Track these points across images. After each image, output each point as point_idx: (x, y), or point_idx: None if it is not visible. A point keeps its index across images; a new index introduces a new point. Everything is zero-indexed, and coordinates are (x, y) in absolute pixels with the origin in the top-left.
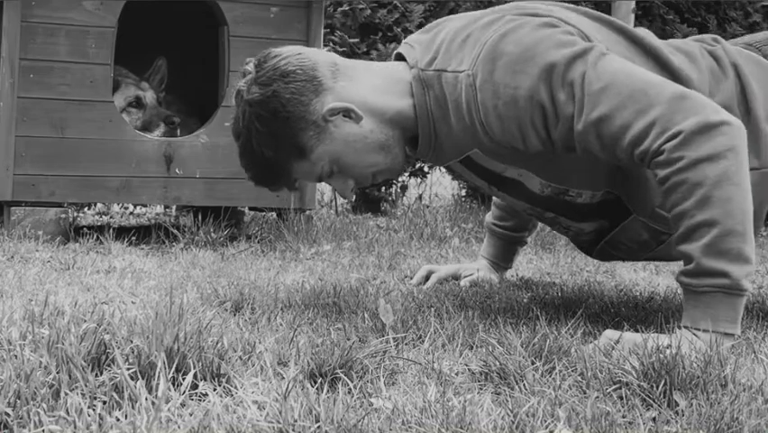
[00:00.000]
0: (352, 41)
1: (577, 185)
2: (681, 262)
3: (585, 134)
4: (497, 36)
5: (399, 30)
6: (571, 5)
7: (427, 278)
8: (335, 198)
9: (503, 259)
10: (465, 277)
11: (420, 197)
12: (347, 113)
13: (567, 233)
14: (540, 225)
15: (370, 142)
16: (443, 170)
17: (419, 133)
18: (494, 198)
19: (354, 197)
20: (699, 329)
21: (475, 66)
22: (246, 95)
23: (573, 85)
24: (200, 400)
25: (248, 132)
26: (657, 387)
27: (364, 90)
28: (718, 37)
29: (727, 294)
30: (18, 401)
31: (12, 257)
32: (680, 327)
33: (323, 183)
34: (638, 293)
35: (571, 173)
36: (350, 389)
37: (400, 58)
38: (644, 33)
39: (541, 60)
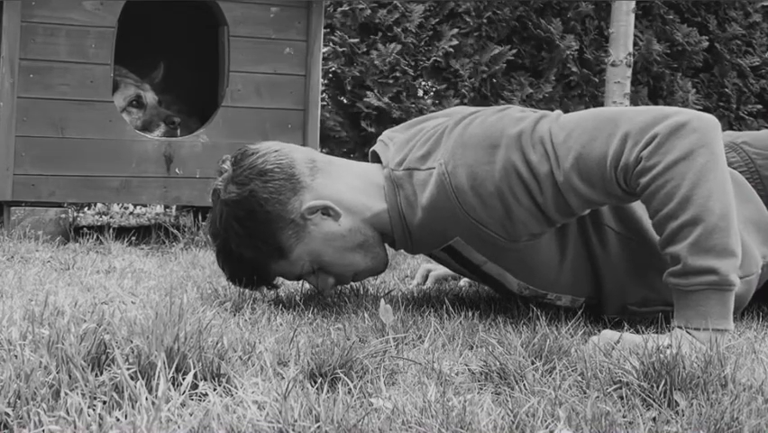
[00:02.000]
0: (351, 41)
1: (555, 289)
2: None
3: (569, 183)
4: (462, 126)
5: (399, 30)
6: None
7: (426, 277)
8: None
9: None
10: (465, 278)
11: None
12: (326, 210)
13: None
14: None
15: (349, 240)
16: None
17: (393, 233)
18: None
19: (332, 292)
20: (693, 328)
21: (447, 155)
22: (223, 194)
23: (543, 142)
24: (200, 400)
25: (225, 232)
26: (657, 387)
27: (343, 189)
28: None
29: (717, 290)
30: (18, 401)
31: (12, 257)
32: (678, 328)
33: None
34: None
35: (549, 277)
36: (350, 389)
37: (376, 155)
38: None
39: (508, 132)
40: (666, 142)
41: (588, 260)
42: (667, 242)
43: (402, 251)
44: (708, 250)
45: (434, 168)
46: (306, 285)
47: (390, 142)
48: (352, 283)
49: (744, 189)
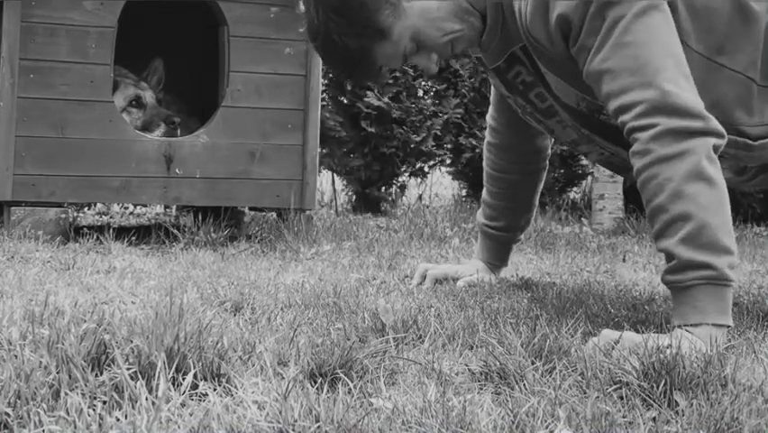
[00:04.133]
0: None
1: None
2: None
3: (589, 76)
4: None
5: None
6: None
7: (425, 277)
8: (335, 199)
9: (498, 259)
10: (462, 278)
11: (420, 197)
12: None
13: (602, 154)
14: (534, 226)
15: (444, 10)
16: (443, 170)
17: (487, 14)
18: (483, 195)
19: (437, 69)
20: (690, 325)
21: None
22: None
23: (605, 22)
24: (200, 400)
25: (326, 27)
26: (657, 387)
27: None
28: None
29: (714, 285)
30: (18, 401)
31: (12, 257)
32: (677, 327)
33: (323, 184)
34: (638, 293)
35: None
36: (350, 389)
37: None
38: None
39: None
40: (664, 137)
41: None
42: (659, 235)
43: (403, 254)
44: (702, 245)
45: None
46: (306, 285)
47: None
48: (352, 283)
49: None
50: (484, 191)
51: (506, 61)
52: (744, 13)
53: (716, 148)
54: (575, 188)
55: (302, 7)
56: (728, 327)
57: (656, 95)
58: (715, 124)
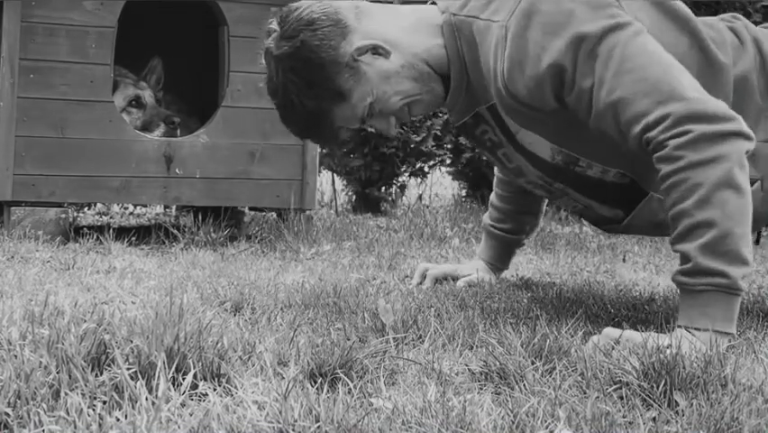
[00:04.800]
0: None
1: (587, 155)
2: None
3: (603, 114)
4: None
5: None
6: None
7: (425, 277)
8: (335, 199)
9: (500, 260)
10: (462, 277)
11: (420, 197)
12: (375, 49)
13: (575, 207)
14: (538, 227)
15: (404, 75)
16: (443, 170)
17: (451, 76)
18: (491, 198)
19: (396, 132)
20: (696, 329)
21: (510, 19)
22: (275, 50)
23: (598, 58)
24: (200, 400)
25: (285, 87)
26: (657, 387)
27: (390, 28)
28: (738, 15)
29: (724, 293)
30: (18, 401)
31: (12, 257)
32: (678, 327)
33: (323, 184)
34: (638, 293)
35: (580, 140)
36: (350, 389)
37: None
38: (681, 7)
39: (575, 27)
40: (697, 142)
41: None
42: (679, 238)
43: (403, 255)
44: (721, 254)
45: (492, 21)
46: (306, 285)
47: None
48: (352, 283)
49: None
50: (493, 194)
51: (472, 118)
52: (712, 66)
53: (747, 151)
54: None
55: (262, 62)
56: (732, 335)
57: (681, 105)
58: (744, 124)
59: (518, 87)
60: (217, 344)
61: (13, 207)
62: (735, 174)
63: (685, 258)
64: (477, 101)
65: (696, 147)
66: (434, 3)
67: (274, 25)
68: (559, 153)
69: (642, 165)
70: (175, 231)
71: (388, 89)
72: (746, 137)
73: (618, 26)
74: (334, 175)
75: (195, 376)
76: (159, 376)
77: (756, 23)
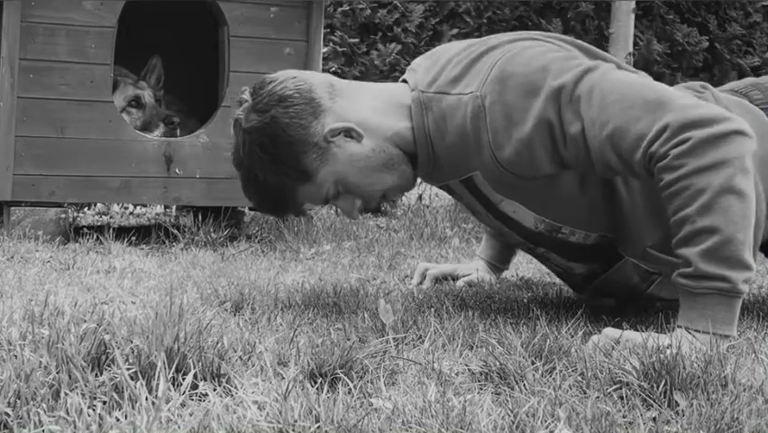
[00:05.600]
0: (351, 41)
1: (571, 223)
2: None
3: (602, 151)
4: (506, 58)
5: (399, 30)
6: (566, 38)
7: (425, 276)
8: None
9: (501, 260)
10: (462, 277)
11: (420, 197)
12: (348, 132)
13: (557, 270)
14: None
15: (374, 160)
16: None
17: (418, 154)
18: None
19: (360, 216)
20: (695, 330)
21: (484, 87)
22: (245, 123)
23: (581, 101)
24: (200, 401)
25: (250, 160)
26: (657, 387)
27: (363, 110)
28: (706, 84)
29: (725, 296)
30: (18, 401)
31: (12, 257)
32: (678, 327)
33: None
34: None
35: (566, 211)
36: (350, 389)
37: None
38: (643, 73)
39: (551, 82)
40: (698, 148)
41: (610, 199)
42: (681, 243)
43: (403, 255)
44: (723, 259)
45: (464, 94)
46: (306, 285)
47: (419, 67)
48: (352, 283)
49: (763, 127)
50: None
51: (444, 186)
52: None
53: (749, 149)
54: None
55: (232, 131)
56: (733, 337)
57: (676, 115)
58: (743, 122)
59: (507, 153)
60: (217, 344)
61: (12, 207)
62: (737, 179)
63: (687, 262)
64: (445, 177)
65: (697, 153)
66: (404, 81)
67: (246, 96)
68: (542, 223)
69: (623, 226)
70: (175, 231)
71: (357, 173)
72: (746, 134)
73: (589, 69)
74: None
75: (195, 376)
76: (159, 376)
77: (756, 24)
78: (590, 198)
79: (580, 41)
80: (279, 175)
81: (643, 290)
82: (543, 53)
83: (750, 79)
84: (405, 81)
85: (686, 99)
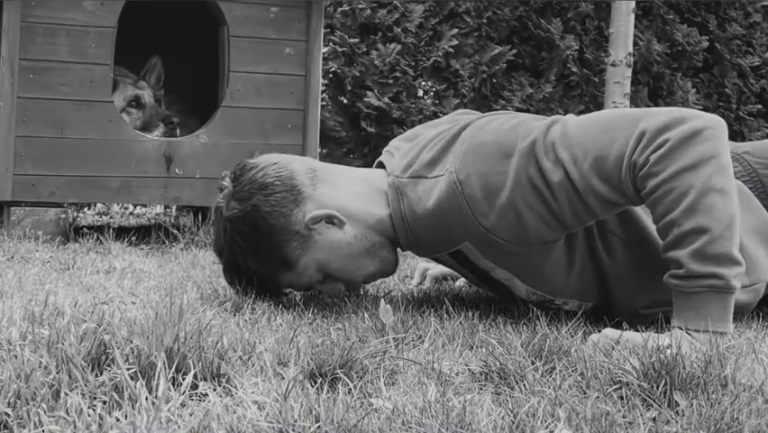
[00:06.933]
0: (351, 41)
1: (563, 295)
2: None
3: (589, 185)
4: (472, 132)
5: (399, 30)
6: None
7: (425, 277)
8: None
9: None
10: (462, 278)
11: None
12: (330, 219)
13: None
14: None
15: (356, 247)
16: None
17: (399, 239)
18: None
19: (342, 297)
20: (692, 329)
21: (457, 163)
22: (225, 211)
23: (555, 147)
24: (200, 401)
25: (230, 248)
26: (657, 387)
27: (346, 196)
28: None
29: (718, 293)
30: (18, 401)
31: (12, 257)
32: (678, 328)
33: None
34: None
35: (556, 283)
36: (350, 389)
37: (382, 165)
38: None
39: (521, 143)
40: (676, 149)
41: (595, 268)
42: (670, 246)
43: (403, 255)
44: (711, 258)
45: (441, 175)
46: None
47: (396, 151)
48: None
49: (747, 199)
50: None
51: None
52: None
53: (724, 144)
54: None
55: (212, 217)
56: (729, 334)
57: (648, 122)
58: (715, 118)
59: (492, 220)
60: (217, 344)
61: (13, 207)
62: (717, 177)
63: (677, 263)
64: (432, 252)
65: (675, 155)
66: (381, 163)
67: (227, 182)
68: (534, 294)
69: (618, 291)
70: (175, 231)
71: (339, 260)
72: (719, 128)
73: (555, 120)
74: None
75: (195, 376)
76: (159, 376)
77: (756, 24)
78: (580, 270)
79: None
80: (260, 263)
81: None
82: (507, 120)
83: (751, 144)
84: (381, 164)
85: (652, 109)
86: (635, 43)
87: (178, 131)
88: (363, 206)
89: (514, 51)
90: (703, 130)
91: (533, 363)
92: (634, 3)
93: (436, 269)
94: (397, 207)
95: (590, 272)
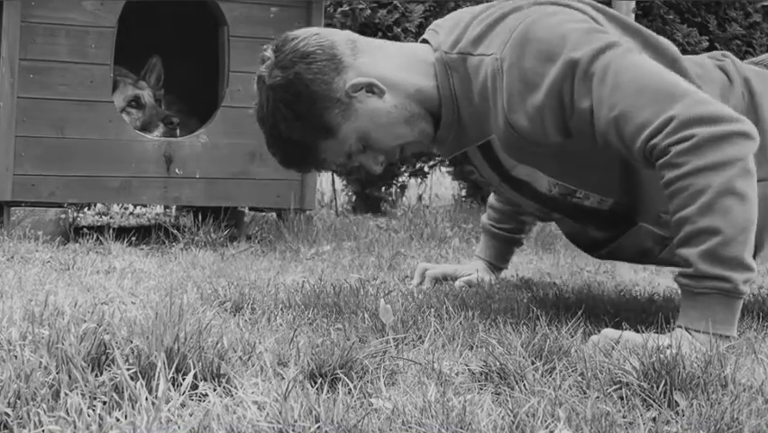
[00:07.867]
0: None
1: (586, 187)
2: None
3: (606, 131)
4: (528, 21)
5: (399, 30)
6: (595, 4)
7: (424, 277)
8: (335, 199)
9: (500, 259)
10: (462, 278)
11: (420, 197)
12: (370, 88)
13: (570, 231)
14: (540, 225)
15: (395, 116)
16: (443, 170)
17: (442, 114)
18: (489, 199)
19: (381, 169)
20: (695, 330)
21: (504, 50)
22: (268, 79)
23: (593, 78)
24: (200, 401)
25: (273, 116)
26: (657, 387)
27: (385, 66)
28: (727, 53)
29: (725, 296)
30: (18, 401)
31: (12, 257)
32: (678, 327)
33: (323, 184)
34: (638, 293)
35: (579, 173)
36: (350, 389)
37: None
38: (669, 46)
39: (568, 53)
40: (702, 146)
41: (627, 163)
42: (682, 242)
43: (403, 255)
44: (722, 260)
45: (485, 55)
46: (306, 285)
47: (440, 28)
48: (352, 283)
49: None
50: (492, 195)
51: (461, 155)
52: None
53: (751, 151)
54: None
55: (255, 87)
56: (732, 338)
57: (684, 108)
58: (750, 124)
59: (519, 117)
60: (217, 344)
61: (12, 208)
62: (738, 181)
63: (687, 262)
64: (467, 140)
65: (699, 152)
66: (425, 40)
67: (269, 53)
68: (555, 186)
69: (636, 191)
70: (175, 231)
71: (378, 129)
72: (750, 137)
73: (608, 46)
74: (334, 175)
75: (195, 376)
76: (159, 376)
77: (756, 24)
78: (607, 162)
79: (611, 11)
80: (303, 130)
81: (656, 254)
82: (565, 21)
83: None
84: (425, 41)
85: (697, 94)
86: None
87: (178, 131)
88: (404, 76)
89: None
90: (732, 135)
91: (533, 363)
92: (634, 3)
93: (436, 269)
94: (446, 83)
95: (620, 168)
